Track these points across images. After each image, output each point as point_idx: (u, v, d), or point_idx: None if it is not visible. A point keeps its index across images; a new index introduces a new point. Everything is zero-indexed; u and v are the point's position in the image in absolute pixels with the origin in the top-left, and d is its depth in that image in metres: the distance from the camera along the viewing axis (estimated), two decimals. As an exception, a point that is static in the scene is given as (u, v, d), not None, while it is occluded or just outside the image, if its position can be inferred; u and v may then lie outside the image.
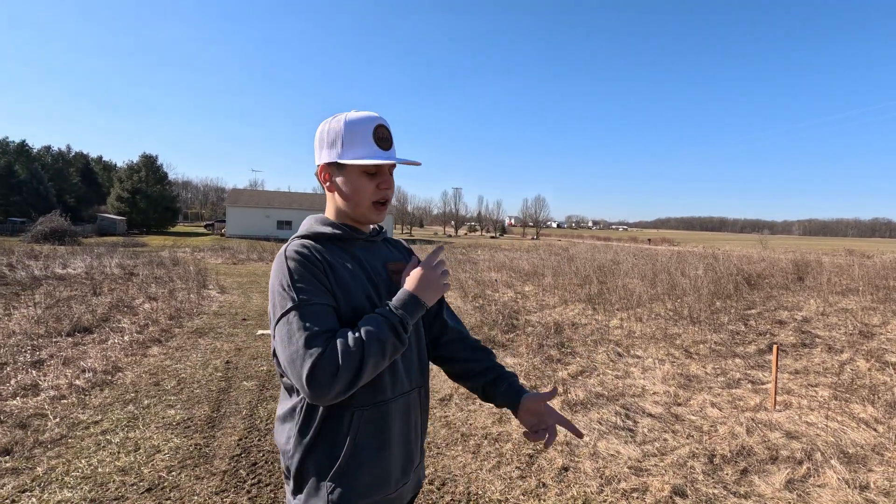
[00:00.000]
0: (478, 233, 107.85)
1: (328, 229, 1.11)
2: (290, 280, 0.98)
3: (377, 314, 1.00)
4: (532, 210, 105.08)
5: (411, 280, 1.08)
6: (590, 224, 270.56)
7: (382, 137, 1.08)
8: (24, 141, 52.35)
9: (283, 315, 0.95)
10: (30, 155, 52.46)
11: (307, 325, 0.93)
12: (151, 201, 48.29)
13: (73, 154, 64.21)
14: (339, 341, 0.92)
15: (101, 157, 68.76)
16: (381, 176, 1.10)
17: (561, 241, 52.88)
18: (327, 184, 1.13)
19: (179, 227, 58.77)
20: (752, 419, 3.65)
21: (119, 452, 3.00)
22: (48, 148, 60.79)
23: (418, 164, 1.14)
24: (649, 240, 60.30)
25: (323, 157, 1.11)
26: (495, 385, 1.22)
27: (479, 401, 3.98)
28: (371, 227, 1.23)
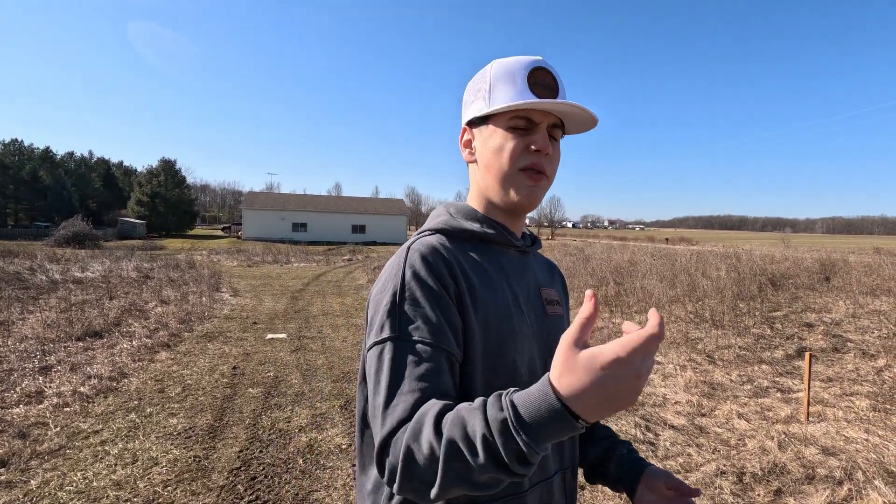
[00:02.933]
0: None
1: (476, 226, 0.80)
2: (400, 298, 0.70)
3: (486, 415, 0.54)
4: (547, 210, 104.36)
5: (577, 374, 0.50)
6: (606, 224, 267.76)
7: (541, 83, 0.76)
8: (48, 147, 53.91)
9: (376, 343, 0.69)
10: (54, 161, 53.95)
11: (404, 372, 0.65)
12: (170, 205, 49.21)
13: (95, 159, 65.94)
14: (413, 429, 0.58)
15: (121, 163, 70.54)
16: (534, 133, 0.76)
17: (576, 241, 52.30)
18: (467, 151, 0.84)
19: (197, 231, 59.71)
20: (784, 432, 3.40)
21: (116, 465, 2.90)
22: (71, 154, 62.52)
23: (594, 116, 0.76)
24: (667, 239, 59.27)
25: (467, 114, 0.83)
26: (608, 457, 0.89)
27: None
28: (524, 232, 0.92)
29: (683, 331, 6.44)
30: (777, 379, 4.67)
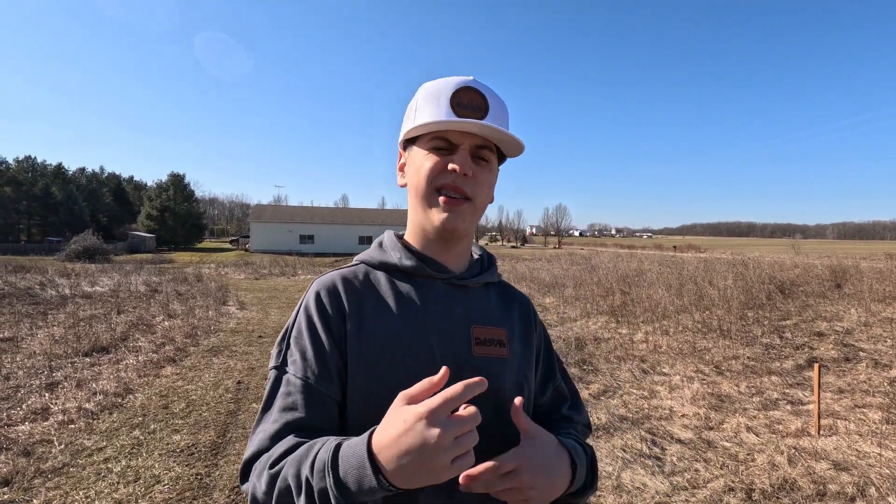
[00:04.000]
0: (499, 242, 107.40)
1: (395, 257, 0.79)
2: (290, 332, 0.74)
3: (317, 455, 0.57)
4: (553, 219, 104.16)
5: (388, 425, 0.54)
6: (613, 232, 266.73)
7: (465, 104, 0.72)
8: (60, 164, 54.76)
9: (271, 367, 0.74)
10: (66, 177, 54.85)
11: (274, 402, 0.69)
12: (179, 219, 49.75)
13: (105, 175, 66.95)
14: (268, 463, 0.62)
15: (132, 177, 71.58)
16: (454, 155, 0.73)
17: (583, 249, 52.08)
18: (400, 174, 0.83)
19: (206, 244, 60.25)
20: (794, 447, 3.33)
21: (118, 483, 2.90)
22: (83, 169, 63.56)
23: (519, 143, 0.74)
24: (675, 247, 58.87)
25: (399, 141, 0.82)
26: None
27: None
28: (470, 258, 0.86)
29: (690, 341, 6.36)
30: (787, 391, 4.59)
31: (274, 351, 0.75)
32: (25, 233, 50.15)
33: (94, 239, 27.08)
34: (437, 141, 0.73)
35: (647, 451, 3.34)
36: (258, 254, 36.30)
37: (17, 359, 5.53)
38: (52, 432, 3.61)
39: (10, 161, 49.33)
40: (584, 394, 4.49)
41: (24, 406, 4.07)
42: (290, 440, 0.64)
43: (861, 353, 5.73)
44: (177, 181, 52.58)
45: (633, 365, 5.44)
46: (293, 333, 0.74)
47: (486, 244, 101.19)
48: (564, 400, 0.90)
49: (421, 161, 0.75)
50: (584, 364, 5.53)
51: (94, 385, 4.65)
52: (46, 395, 4.37)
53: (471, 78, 0.75)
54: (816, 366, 3.56)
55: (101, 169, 67.67)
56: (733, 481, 2.92)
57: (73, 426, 3.75)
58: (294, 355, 0.71)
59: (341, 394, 0.71)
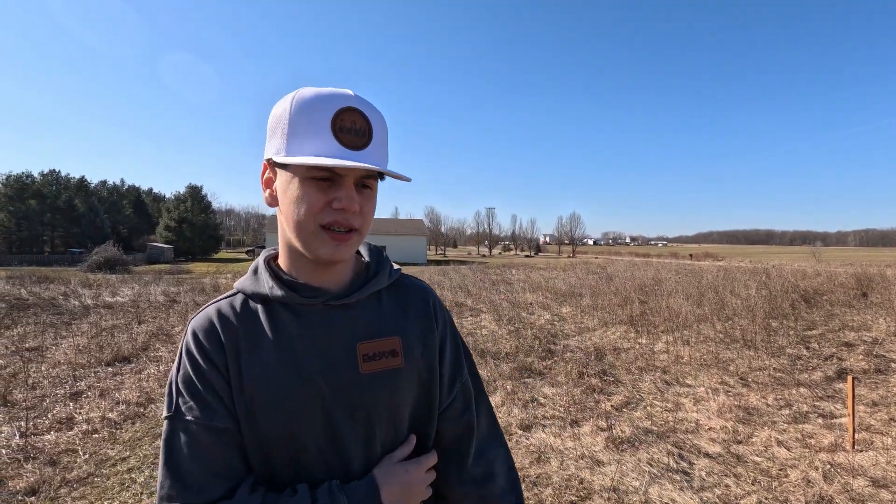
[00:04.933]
0: (512, 252, 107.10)
1: (265, 287, 0.74)
2: (176, 375, 0.71)
3: None
4: (567, 227, 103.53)
5: (391, 476, 0.74)
6: (627, 240, 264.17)
7: (348, 128, 0.66)
8: (83, 177, 56.24)
9: (164, 417, 0.71)
10: (88, 189, 56.29)
11: (176, 455, 0.67)
12: (196, 230, 50.58)
13: (126, 187, 68.59)
14: None
15: (151, 189, 73.18)
16: (338, 188, 0.67)
17: (598, 258, 51.62)
18: (267, 191, 0.74)
19: (222, 254, 61.11)
20: (829, 462, 3.21)
21: (142, 493, 2.91)
22: (104, 182, 65.19)
23: (405, 178, 0.70)
24: (691, 255, 57.97)
25: (266, 151, 0.72)
26: None
27: (515, 438, 3.72)
28: (355, 267, 0.81)
29: (713, 351, 6.22)
30: (817, 403, 4.45)
31: (165, 400, 0.72)
32: (49, 244, 51.48)
33: (114, 250, 27.62)
34: (319, 171, 0.67)
35: (675, 466, 3.25)
36: (273, 264, 36.61)
37: (43, 368, 5.63)
38: (77, 442, 3.65)
39: (36, 175, 50.87)
40: (606, 406, 4.41)
41: (49, 415, 4.13)
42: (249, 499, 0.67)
43: (893, 365, 5.54)
44: (194, 193, 53.60)
45: (656, 376, 5.33)
46: (179, 378, 0.71)
47: (500, 253, 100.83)
48: (470, 428, 0.84)
49: (300, 193, 0.68)
50: (605, 375, 5.43)
51: (116, 395, 4.70)
52: (71, 404, 4.43)
53: (351, 94, 0.69)
54: (850, 378, 3.44)
55: (122, 181, 69.46)
56: (767, 498, 2.82)
57: (96, 436, 3.79)
58: (187, 401, 0.69)
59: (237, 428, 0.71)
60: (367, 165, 0.64)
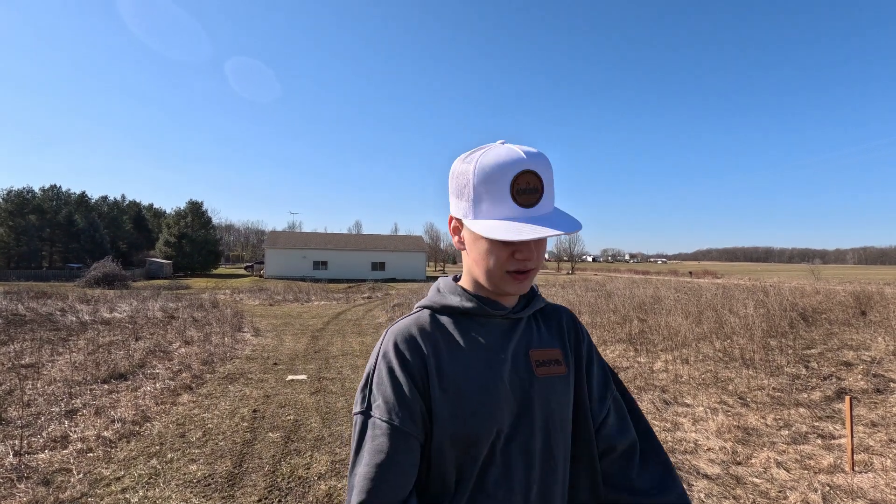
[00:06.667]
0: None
1: (456, 300, 0.87)
2: (372, 378, 0.81)
3: None
4: (566, 244, 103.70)
5: None
6: (627, 257, 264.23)
7: (525, 189, 0.76)
8: (83, 192, 56.45)
9: (354, 413, 0.81)
10: (88, 205, 56.43)
11: (364, 445, 0.77)
12: (196, 245, 50.57)
13: (126, 203, 68.79)
14: None
15: (151, 205, 73.26)
16: (521, 246, 0.80)
17: (597, 275, 51.58)
18: (456, 237, 0.87)
19: (221, 269, 60.98)
20: (829, 483, 3.19)
21: (136, 514, 2.88)
22: (105, 198, 65.38)
23: (575, 230, 0.76)
24: (691, 272, 58.00)
25: (453, 208, 0.84)
26: None
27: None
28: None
29: (712, 370, 6.20)
30: (816, 423, 4.43)
31: (357, 397, 0.82)
32: (47, 259, 51.40)
33: (113, 265, 27.62)
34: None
35: (673, 487, 3.22)
36: (272, 280, 36.63)
37: (38, 385, 5.60)
38: (71, 461, 3.61)
39: (37, 190, 51.06)
40: (604, 425, 4.38)
41: (44, 434, 4.10)
42: None
43: (892, 384, 5.53)
44: (195, 208, 53.73)
45: (655, 395, 5.31)
46: (374, 380, 0.81)
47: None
48: (631, 442, 0.90)
49: (488, 247, 0.80)
50: (603, 394, 5.41)
51: (112, 413, 4.67)
52: (66, 422, 4.40)
53: (524, 156, 0.76)
54: (848, 398, 3.44)
55: (123, 197, 69.60)
56: (766, 520, 2.79)
57: (91, 455, 3.76)
58: (377, 400, 0.78)
59: (423, 434, 0.79)
60: (548, 235, 0.73)
